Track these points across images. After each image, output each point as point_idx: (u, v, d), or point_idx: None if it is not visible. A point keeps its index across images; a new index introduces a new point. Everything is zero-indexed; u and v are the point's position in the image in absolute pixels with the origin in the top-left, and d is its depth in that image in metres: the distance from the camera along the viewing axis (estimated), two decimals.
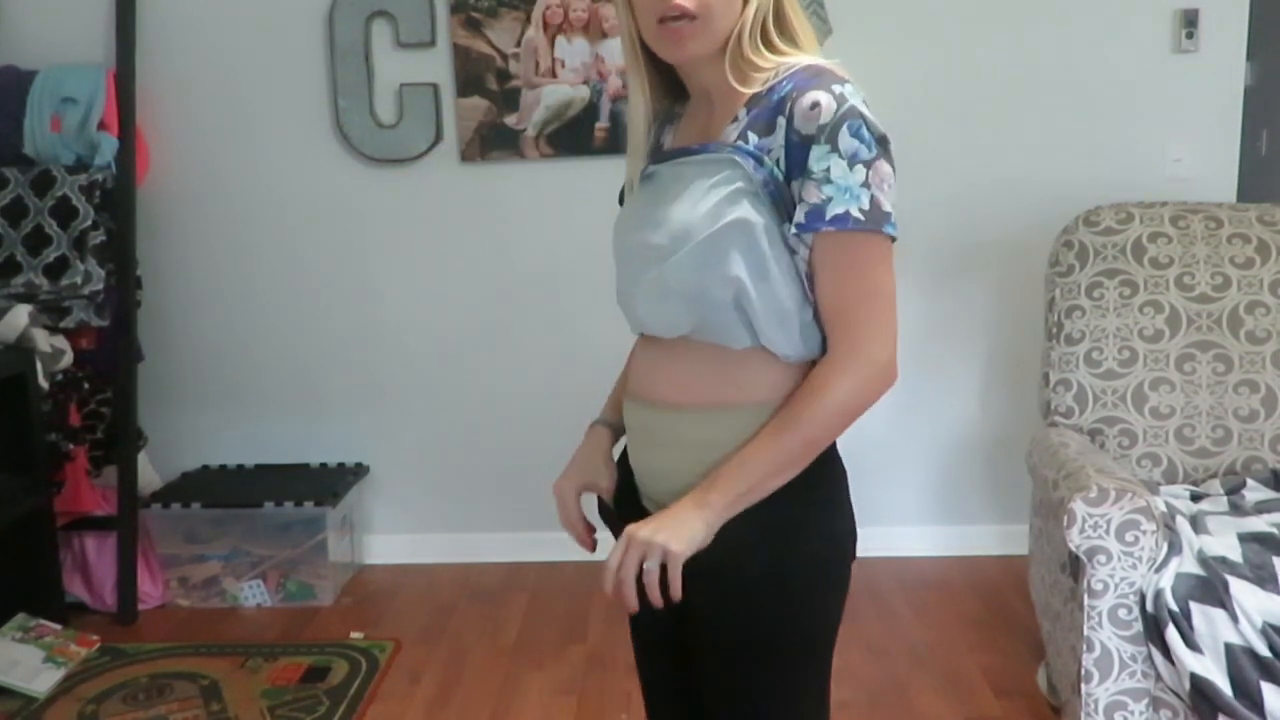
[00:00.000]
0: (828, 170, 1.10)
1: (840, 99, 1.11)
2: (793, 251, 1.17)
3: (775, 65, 1.18)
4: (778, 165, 1.15)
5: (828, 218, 1.10)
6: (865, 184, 1.10)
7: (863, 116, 1.11)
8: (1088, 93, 3.05)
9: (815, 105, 1.11)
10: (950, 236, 3.11)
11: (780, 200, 1.15)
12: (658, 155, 1.28)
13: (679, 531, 1.15)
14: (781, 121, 1.14)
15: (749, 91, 1.18)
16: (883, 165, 1.12)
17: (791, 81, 1.15)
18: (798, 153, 1.12)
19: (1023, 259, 3.02)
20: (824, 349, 1.20)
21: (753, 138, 1.16)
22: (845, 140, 1.10)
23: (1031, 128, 3.08)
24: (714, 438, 1.21)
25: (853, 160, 1.10)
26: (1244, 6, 3.02)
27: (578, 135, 3.10)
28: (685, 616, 1.26)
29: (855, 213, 1.10)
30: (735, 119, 1.19)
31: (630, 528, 1.17)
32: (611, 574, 1.17)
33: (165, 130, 3.16)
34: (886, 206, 1.12)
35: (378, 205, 3.20)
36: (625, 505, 1.38)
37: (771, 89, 1.16)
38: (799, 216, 1.13)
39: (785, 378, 1.20)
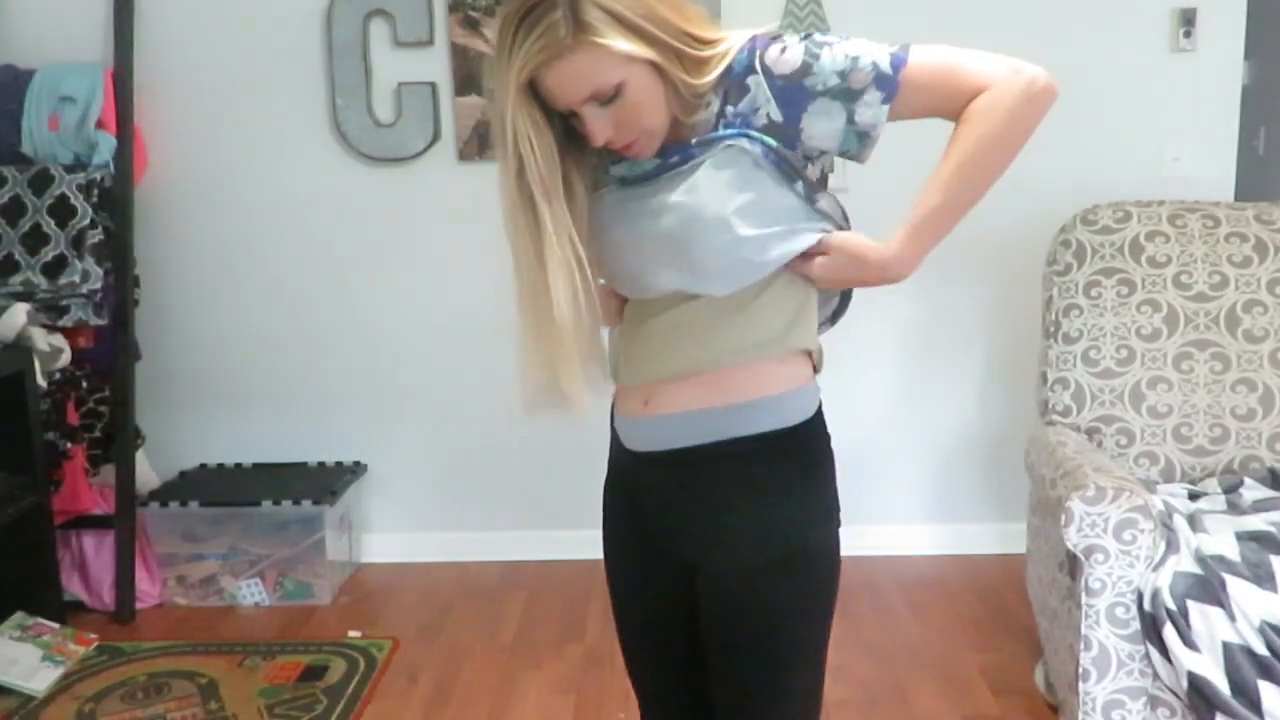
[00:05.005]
0: (846, 57, 1.18)
1: (792, 38, 1.20)
2: (812, 202, 1.23)
3: (714, 75, 1.20)
4: (769, 123, 1.19)
5: (889, 72, 1.18)
6: (867, 42, 1.20)
7: (809, 32, 1.22)
8: (1086, 92, 3.05)
9: (784, 49, 1.19)
10: (948, 235, 3.11)
11: (783, 164, 1.20)
12: (641, 170, 1.25)
13: (887, 277, 1.29)
14: (756, 80, 1.20)
15: (704, 92, 1.21)
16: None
17: (745, 55, 1.20)
18: (791, 91, 1.19)
19: (1020, 258, 3.02)
20: None
21: (730, 110, 1.21)
22: (824, 40, 1.19)
23: None
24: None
25: (844, 40, 1.20)
26: (1241, 6, 3.02)
27: None
28: (695, 613, 1.32)
29: (894, 50, 1.19)
30: (708, 105, 1.22)
31: (853, 248, 1.25)
32: (824, 276, 1.25)
33: (163, 129, 3.16)
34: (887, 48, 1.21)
35: (375, 204, 3.20)
36: (619, 513, 1.41)
37: (728, 69, 1.21)
38: (876, 95, 1.18)
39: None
